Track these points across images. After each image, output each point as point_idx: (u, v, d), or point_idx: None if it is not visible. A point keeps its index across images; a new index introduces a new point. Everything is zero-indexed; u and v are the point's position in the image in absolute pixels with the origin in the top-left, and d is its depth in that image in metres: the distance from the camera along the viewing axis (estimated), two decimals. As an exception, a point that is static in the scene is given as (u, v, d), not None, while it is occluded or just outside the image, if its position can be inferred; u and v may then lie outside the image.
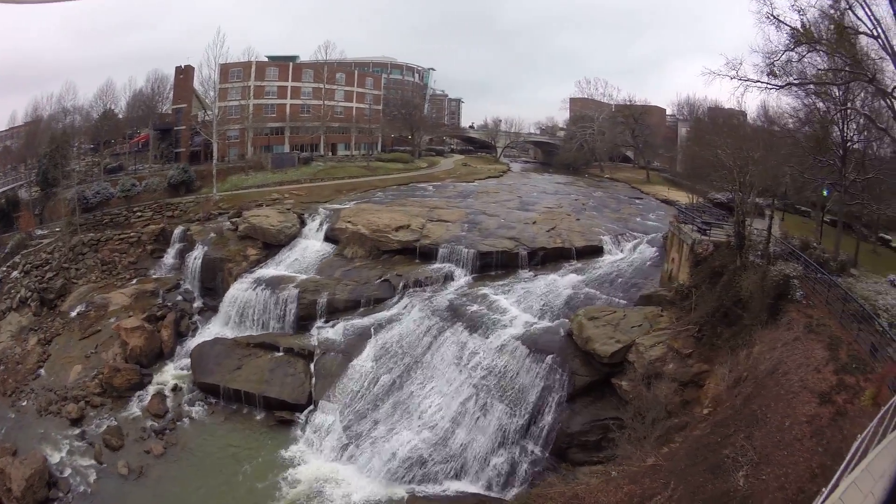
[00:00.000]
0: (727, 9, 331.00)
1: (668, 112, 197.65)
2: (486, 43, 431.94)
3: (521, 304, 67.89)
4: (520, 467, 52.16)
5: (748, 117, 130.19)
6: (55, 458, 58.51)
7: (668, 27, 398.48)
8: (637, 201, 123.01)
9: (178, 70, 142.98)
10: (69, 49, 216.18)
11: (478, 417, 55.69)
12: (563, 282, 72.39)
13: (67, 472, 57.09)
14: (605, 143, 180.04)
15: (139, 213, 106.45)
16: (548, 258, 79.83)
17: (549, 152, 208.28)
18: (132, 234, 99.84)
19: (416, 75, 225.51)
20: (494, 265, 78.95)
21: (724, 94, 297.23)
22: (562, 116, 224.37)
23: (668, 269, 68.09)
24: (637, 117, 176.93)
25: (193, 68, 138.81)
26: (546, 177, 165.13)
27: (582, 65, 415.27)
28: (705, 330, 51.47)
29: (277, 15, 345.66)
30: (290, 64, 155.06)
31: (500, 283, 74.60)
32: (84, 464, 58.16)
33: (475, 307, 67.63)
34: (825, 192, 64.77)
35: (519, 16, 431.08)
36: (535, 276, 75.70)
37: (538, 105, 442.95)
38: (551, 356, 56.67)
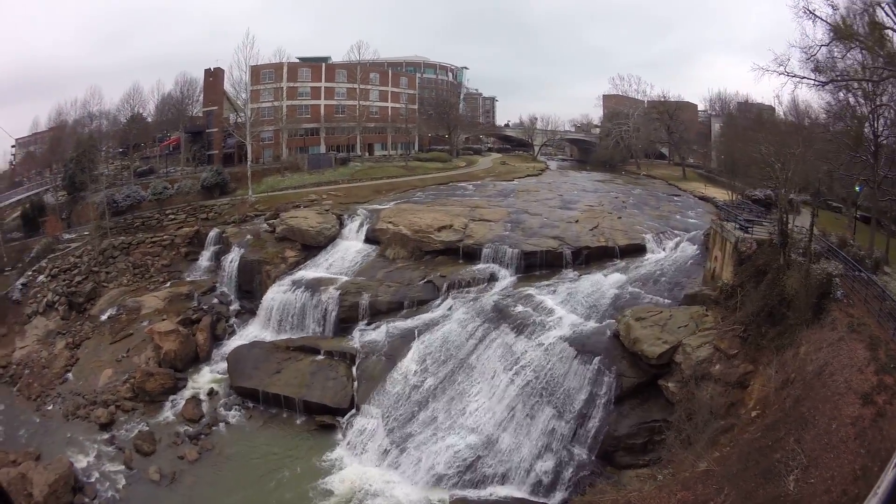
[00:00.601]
0: (752, 1, 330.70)
1: (700, 107, 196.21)
2: (514, 40, 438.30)
3: (566, 305, 65.87)
4: (565, 471, 50.30)
5: (777, 112, 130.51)
6: (82, 462, 57.28)
7: (694, 21, 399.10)
8: (675, 198, 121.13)
9: (208, 72, 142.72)
10: (89, 55, 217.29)
11: (524, 421, 53.92)
12: (607, 281, 70.52)
13: (95, 477, 55.80)
14: (641, 139, 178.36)
15: (172, 216, 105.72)
16: (591, 257, 77.92)
17: (585, 150, 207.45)
18: (165, 236, 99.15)
19: (450, 74, 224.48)
20: (539, 265, 77.00)
21: (754, 88, 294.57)
22: (596, 113, 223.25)
23: (710, 267, 66.26)
24: (672, 113, 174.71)
25: (223, 70, 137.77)
26: (584, 175, 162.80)
27: (611, 60, 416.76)
28: (751, 330, 49.75)
29: (301, 16, 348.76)
30: (323, 64, 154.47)
31: (545, 283, 72.59)
32: (113, 469, 56.87)
33: (520, 308, 65.68)
34: (857, 189, 64.57)
35: (545, 10, 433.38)
36: (580, 275, 73.67)
37: (570, 101, 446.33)
38: (598, 358, 54.90)
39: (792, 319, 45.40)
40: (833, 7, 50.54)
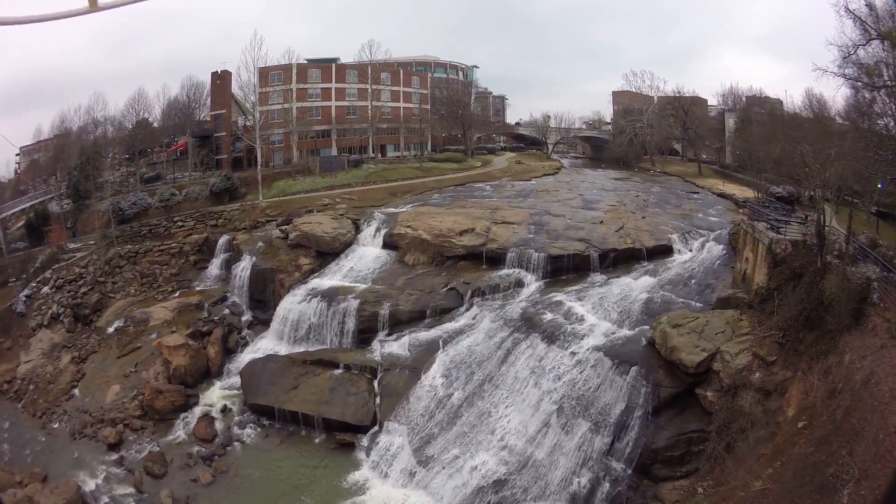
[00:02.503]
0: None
1: (713, 102, 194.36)
2: (521, 38, 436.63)
3: (597, 312, 63.14)
4: (601, 487, 47.86)
5: (785, 106, 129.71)
6: (90, 485, 54.76)
7: (699, 14, 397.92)
8: (694, 196, 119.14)
9: (215, 75, 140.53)
10: (97, 61, 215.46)
11: (559, 436, 51.10)
12: (637, 285, 67.98)
13: (104, 501, 53.37)
14: (656, 136, 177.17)
15: (180, 223, 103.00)
16: (619, 260, 75.55)
17: (598, 147, 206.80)
18: (173, 244, 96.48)
19: (460, 73, 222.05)
20: (566, 269, 74.22)
21: (765, 81, 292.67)
22: (607, 110, 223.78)
23: (741, 268, 64.58)
24: (687, 109, 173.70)
25: (230, 73, 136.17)
26: (599, 172, 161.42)
27: (619, 56, 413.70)
28: (789, 335, 47.57)
29: (306, 19, 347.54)
30: (333, 65, 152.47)
31: (573, 287, 69.93)
32: (122, 492, 54.36)
33: (550, 316, 62.80)
34: (880, 186, 63.05)
35: (551, 6, 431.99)
36: (608, 279, 71.33)
37: (580, 98, 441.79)
38: (635, 368, 52.23)
39: (831, 325, 43.18)
40: (870, 7, 50.03)
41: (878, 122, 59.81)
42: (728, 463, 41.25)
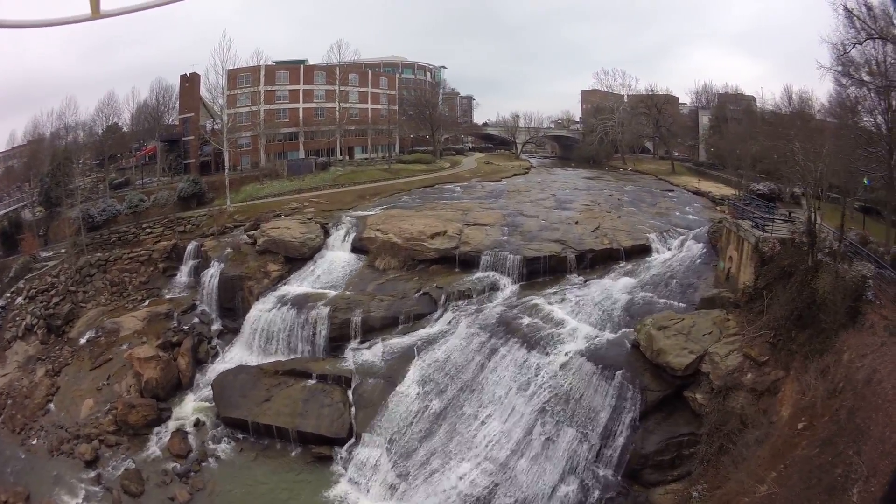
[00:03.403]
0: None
1: (687, 100, 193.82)
2: (491, 39, 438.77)
3: (578, 314, 61.71)
4: (590, 494, 46.52)
5: (758, 103, 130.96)
6: None
7: (672, 14, 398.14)
8: (669, 194, 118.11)
9: (184, 78, 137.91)
10: (72, 66, 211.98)
11: (544, 444, 49.72)
12: (617, 286, 66.72)
13: None
14: (627, 134, 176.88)
15: (149, 230, 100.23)
16: (596, 260, 74.25)
17: (567, 146, 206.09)
18: (142, 251, 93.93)
19: (428, 74, 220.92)
20: (542, 271, 72.73)
21: (740, 80, 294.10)
22: (577, 110, 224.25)
23: (724, 267, 63.63)
24: (660, 107, 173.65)
25: (199, 76, 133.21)
26: (570, 171, 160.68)
27: (590, 56, 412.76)
28: (780, 335, 46.70)
29: (279, 22, 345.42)
30: (301, 66, 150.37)
31: (551, 290, 68.36)
32: (102, 512, 52.34)
33: (528, 320, 61.28)
34: (866, 182, 62.60)
35: (523, 9, 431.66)
36: (586, 280, 70.00)
37: (550, 99, 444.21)
38: (620, 372, 50.91)
39: (825, 323, 42.37)
40: (868, 7, 50.67)
41: (867, 119, 59.59)
42: (723, 465, 40.93)
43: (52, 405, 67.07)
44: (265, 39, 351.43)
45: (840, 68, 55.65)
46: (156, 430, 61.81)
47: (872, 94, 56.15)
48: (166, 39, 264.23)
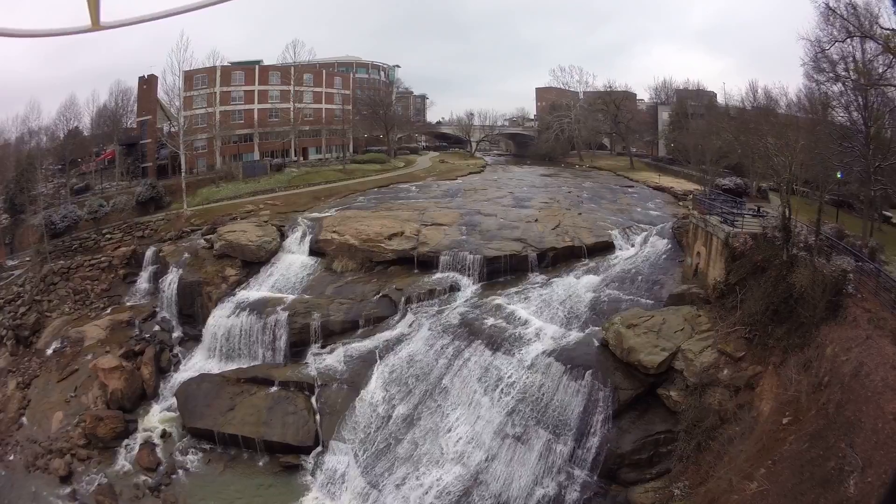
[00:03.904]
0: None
1: (646, 96, 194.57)
2: (445, 37, 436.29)
3: (542, 314, 61.37)
4: (568, 495, 46.28)
5: (718, 99, 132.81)
6: None
7: (630, 12, 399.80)
8: (629, 190, 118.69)
9: (142, 80, 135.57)
10: (35, 69, 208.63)
11: (516, 447, 49.26)
12: (581, 284, 66.58)
13: None
14: (585, 131, 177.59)
15: (108, 236, 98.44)
16: (558, 259, 73.80)
17: (523, 144, 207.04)
18: (103, 258, 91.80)
19: (382, 73, 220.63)
20: (503, 270, 72.35)
21: (701, 76, 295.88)
22: (533, 107, 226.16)
23: (691, 263, 63.39)
24: (619, 103, 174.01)
25: (157, 77, 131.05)
26: (526, 169, 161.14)
27: (545, 55, 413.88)
28: (756, 329, 46.73)
29: (237, 22, 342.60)
30: (257, 67, 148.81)
31: (513, 289, 68.15)
32: (80, 530, 51.77)
33: (492, 320, 60.84)
34: (839, 175, 63.45)
35: (479, 7, 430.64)
36: (549, 279, 69.56)
37: (504, 97, 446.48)
38: (590, 371, 50.37)
39: (804, 317, 42.90)
40: (852, 6, 52.44)
41: (841, 114, 62.51)
42: (703, 462, 41.09)
43: (24, 419, 66.01)
44: (223, 40, 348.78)
45: (814, 64, 58.27)
46: (124, 442, 60.86)
47: (850, 91, 57.92)
48: (127, 41, 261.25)
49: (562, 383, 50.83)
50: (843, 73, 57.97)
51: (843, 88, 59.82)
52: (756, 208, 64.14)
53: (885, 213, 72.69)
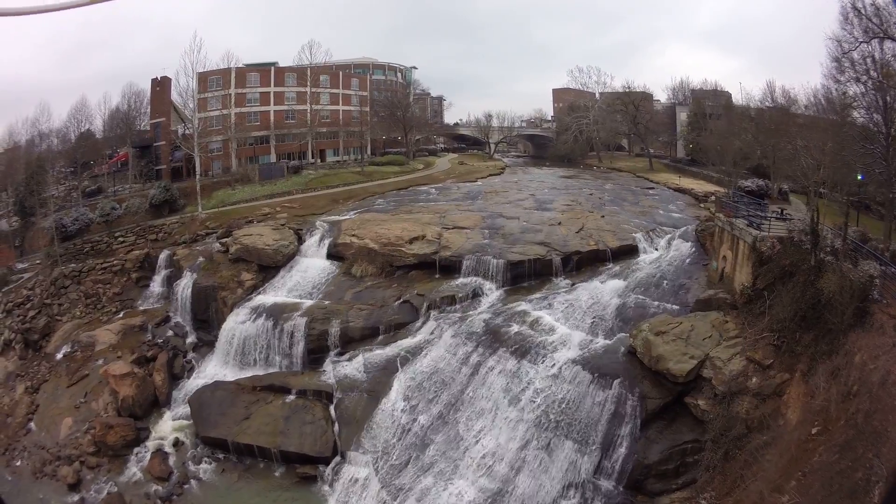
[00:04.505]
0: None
1: (662, 97, 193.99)
2: (459, 39, 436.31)
3: (568, 320, 58.97)
4: None
5: (734, 99, 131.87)
6: None
7: (643, 12, 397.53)
8: (651, 192, 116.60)
9: (155, 82, 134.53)
10: (45, 71, 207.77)
11: (542, 458, 47.16)
12: (606, 289, 63.94)
13: None
14: (604, 131, 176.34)
15: (121, 239, 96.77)
16: (583, 262, 71.53)
17: (541, 145, 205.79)
18: (115, 261, 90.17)
19: (399, 74, 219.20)
20: (527, 275, 69.93)
21: (716, 75, 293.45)
22: (550, 108, 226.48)
23: (717, 267, 61.53)
24: (637, 104, 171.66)
25: (170, 79, 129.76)
26: (545, 171, 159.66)
27: (559, 56, 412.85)
28: (784, 336, 45.12)
29: (249, 25, 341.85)
30: (272, 68, 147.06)
31: (537, 295, 65.63)
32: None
33: (516, 327, 58.45)
34: (860, 177, 61.79)
35: (488, 7, 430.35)
36: (574, 284, 67.22)
37: (519, 98, 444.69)
38: (618, 380, 48.32)
39: (831, 324, 41.29)
40: (876, 7, 51.40)
41: (862, 115, 60.25)
42: (730, 472, 39.92)
43: (32, 424, 64.36)
44: (235, 42, 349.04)
45: (837, 65, 56.72)
46: (135, 450, 59.06)
47: (872, 92, 56.00)
48: (139, 43, 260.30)
49: (589, 393, 48.93)
50: (862, 75, 56.86)
51: (864, 89, 58.45)
52: (780, 210, 62.17)
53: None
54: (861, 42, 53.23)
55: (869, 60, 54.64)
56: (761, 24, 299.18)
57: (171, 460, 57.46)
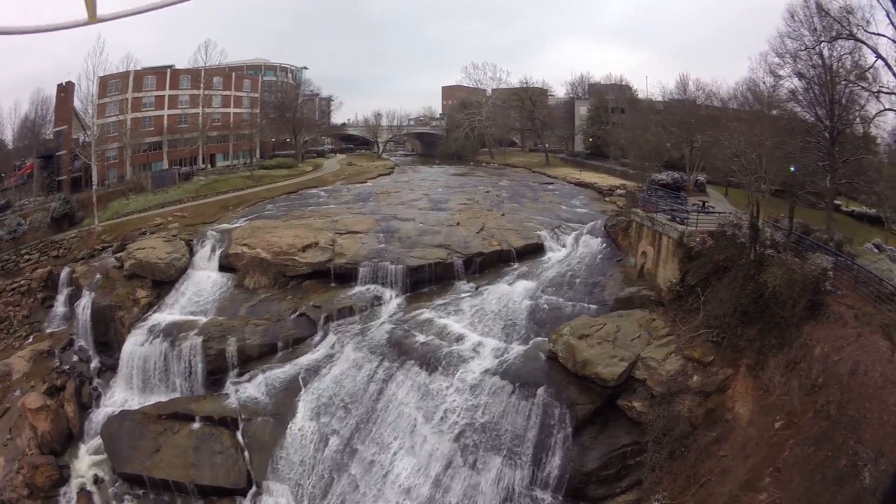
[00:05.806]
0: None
1: (562, 92, 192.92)
2: (353, 39, 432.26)
3: (477, 327, 56.79)
4: None
5: (636, 92, 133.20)
6: None
7: (541, 9, 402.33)
8: (549, 187, 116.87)
9: (60, 88, 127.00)
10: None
11: (470, 475, 45.10)
12: (515, 291, 62.43)
13: None
14: (496, 128, 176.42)
15: (27, 256, 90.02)
16: (486, 264, 69.88)
17: (430, 143, 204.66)
18: (22, 281, 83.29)
19: (290, 75, 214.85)
20: (428, 280, 67.63)
21: (620, 69, 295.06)
22: (440, 106, 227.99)
23: (636, 263, 61.65)
24: (535, 99, 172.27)
25: (74, 85, 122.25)
26: (436, 168, 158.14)
27: (455, 53, 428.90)
28: (725, 332, 45.31)
29: (148, 25, 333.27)
30: (168, 71, 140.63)
31: (440, 301, 63.13)
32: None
33: (423, 337, 55.86)
34: (792, 169, 60.52)
35: (386, 7, 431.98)
36: (478, 287, 65.10)
37: (411, 96, 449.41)
38: (542, 388, 46.73)
39: (779, 318, 41.76)
40: (846, 10, 53.29)
41: (800, 109, 62.63)
42: (680, 470, 39.71)
43: (-32, 465, 60.58)
44: (132, 44, 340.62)
45: (780, 60, 60.38)
46: (62, 490, 55.20)
47: (816, 87, 57.99)
48: (50, 45, 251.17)
49: (511, 403, 46.89)
50: (809, 70, 58.47)
51: (806, 85, 59.82)
52: (701, 203, 62.59)
53: (835, 201, 70.90)
54: (823, 41, 54.89)
55: (816, 57, 56.28)
56: (672, 21, 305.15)
57: (96, 499, 54.04)
